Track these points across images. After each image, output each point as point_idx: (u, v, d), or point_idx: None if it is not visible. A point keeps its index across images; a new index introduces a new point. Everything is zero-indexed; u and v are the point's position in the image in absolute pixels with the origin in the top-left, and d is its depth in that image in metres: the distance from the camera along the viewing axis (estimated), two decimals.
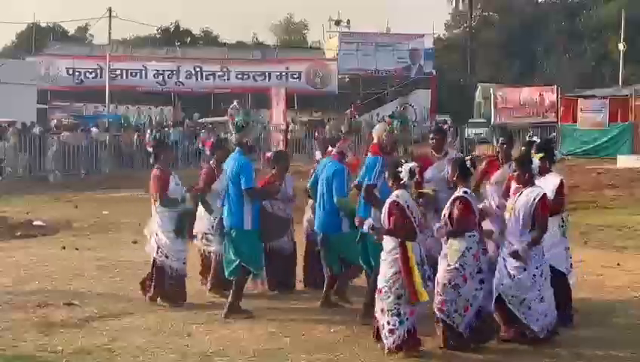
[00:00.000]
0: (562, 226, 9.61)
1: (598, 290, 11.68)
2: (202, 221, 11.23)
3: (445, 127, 24.47)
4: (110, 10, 49.09)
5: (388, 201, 8.61)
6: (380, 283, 8.51)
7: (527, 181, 8.86)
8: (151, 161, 11.08)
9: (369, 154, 10.20)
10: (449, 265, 8.56)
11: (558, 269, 9.33)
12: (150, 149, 11.34)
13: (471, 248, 8.53)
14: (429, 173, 10.26)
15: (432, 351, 8.55)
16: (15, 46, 69.39)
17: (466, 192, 8.67)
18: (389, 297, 8.39)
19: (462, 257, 8.52)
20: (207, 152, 11.85)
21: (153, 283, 10.79)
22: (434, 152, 10.60)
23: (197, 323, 9.71)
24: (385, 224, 8.61)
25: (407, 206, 8.53)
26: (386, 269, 8.47)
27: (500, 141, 11.18)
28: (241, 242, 9.98)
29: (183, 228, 10.68)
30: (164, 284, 10.70)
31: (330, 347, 8.73)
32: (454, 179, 8.86)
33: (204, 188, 11.13)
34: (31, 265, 13.62)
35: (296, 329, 9.43)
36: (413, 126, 40.94)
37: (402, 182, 8.62)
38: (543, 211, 8.72)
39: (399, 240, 8.43)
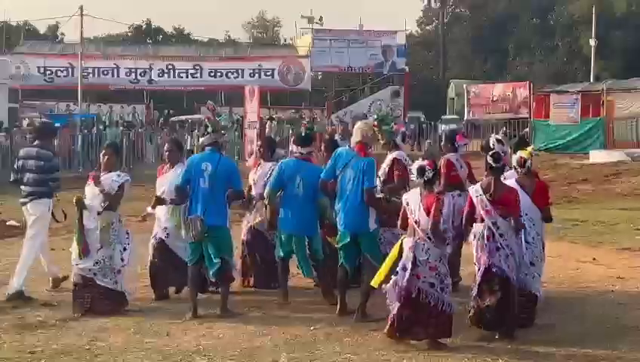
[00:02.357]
0: None
1: (575, 285, 11.76)
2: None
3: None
4: (82, 8, 48.67)
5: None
6: None
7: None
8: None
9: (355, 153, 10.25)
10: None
11: None
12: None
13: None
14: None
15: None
16: None
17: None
18: None
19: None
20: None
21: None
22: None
23: (176, 323, 9.66)
24: None
25: (407, 203, 8.67)
26: None
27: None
28: (226, 240, 10.11)
29: None
30: None
31: (310, 344, 8.74)
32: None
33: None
34: (6, 266, 13.49)
35: (277, 327, 9.41)
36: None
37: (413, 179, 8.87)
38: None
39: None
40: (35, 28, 72.09)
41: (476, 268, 8.94)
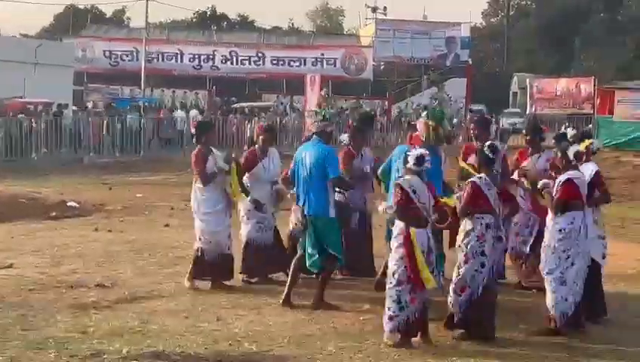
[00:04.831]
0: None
1: (633, 284, 11.57)
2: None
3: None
4: None
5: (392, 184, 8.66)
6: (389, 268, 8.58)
7: (565, 167, 8.96)
8: (193, 140, 11.15)
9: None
10: (458, 245, 8.74)
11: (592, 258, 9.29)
12: (193, 130, 11.36)
13: (475, 229, 8.56)
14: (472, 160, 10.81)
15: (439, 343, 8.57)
16: (53, 27, 70.00)
17: (480, 178, 8.70)
18: (391, 283, 8.44)
19: (465, 237, 8.62)
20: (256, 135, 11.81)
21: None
22: (477, 142, 11.05)
23: (226, 308, 9.72)
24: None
25: (413, 191, 8.46)
26: (392, 254, 8.53)
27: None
28: (329, 231, 9.84)
29: None
30: (198, 267, 10.76)
31: (358, 335, 8.72)
32: (477, 165, 8.92)
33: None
34: (64, 246, 13.71)
35: (326, 316, 9.42)
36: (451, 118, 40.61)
37: (407, 166, 8.59)
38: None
39: (404, 225, 8.44)
40: (102, 12, 73.05)
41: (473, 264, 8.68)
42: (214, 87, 54.22)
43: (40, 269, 11.74)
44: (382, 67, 62.46)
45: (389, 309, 8.40)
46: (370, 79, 56.74)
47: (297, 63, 55.43)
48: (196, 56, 55.32)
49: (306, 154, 9.91)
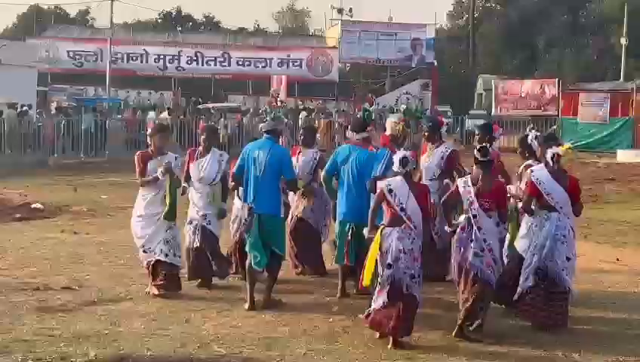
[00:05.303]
0: None
1: (597, 285, 11.66)
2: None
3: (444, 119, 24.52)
4: None
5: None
6: None
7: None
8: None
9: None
10: None
11: None
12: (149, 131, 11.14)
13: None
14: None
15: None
16: (16, 28, 69.38)
17: (460, 181, 9.04)
18: None
19: None
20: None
21: None
22: (430, 144, 11.61)
23: (195, 311, 9.69)
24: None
25: (389, 190, 8.52)
26: None
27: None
28: (276, 230, 9.98)
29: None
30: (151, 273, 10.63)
31: (328, 337, 8.73)
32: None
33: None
34: (29, 248, 13.60)
35: (295, 318, 9.42)
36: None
37: (393, 168, 8.73)
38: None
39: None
40: (66, 12, 72.53)
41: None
42: (179, 88, 53.97)
43: (6, 272, 11.65)
44: (347, 68, 62.49)
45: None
46: (336, 80, 56.73)
47: (263, 64, 55.25)
48: (161, 57, 54.96)
49: (259, 153, 9.91)
